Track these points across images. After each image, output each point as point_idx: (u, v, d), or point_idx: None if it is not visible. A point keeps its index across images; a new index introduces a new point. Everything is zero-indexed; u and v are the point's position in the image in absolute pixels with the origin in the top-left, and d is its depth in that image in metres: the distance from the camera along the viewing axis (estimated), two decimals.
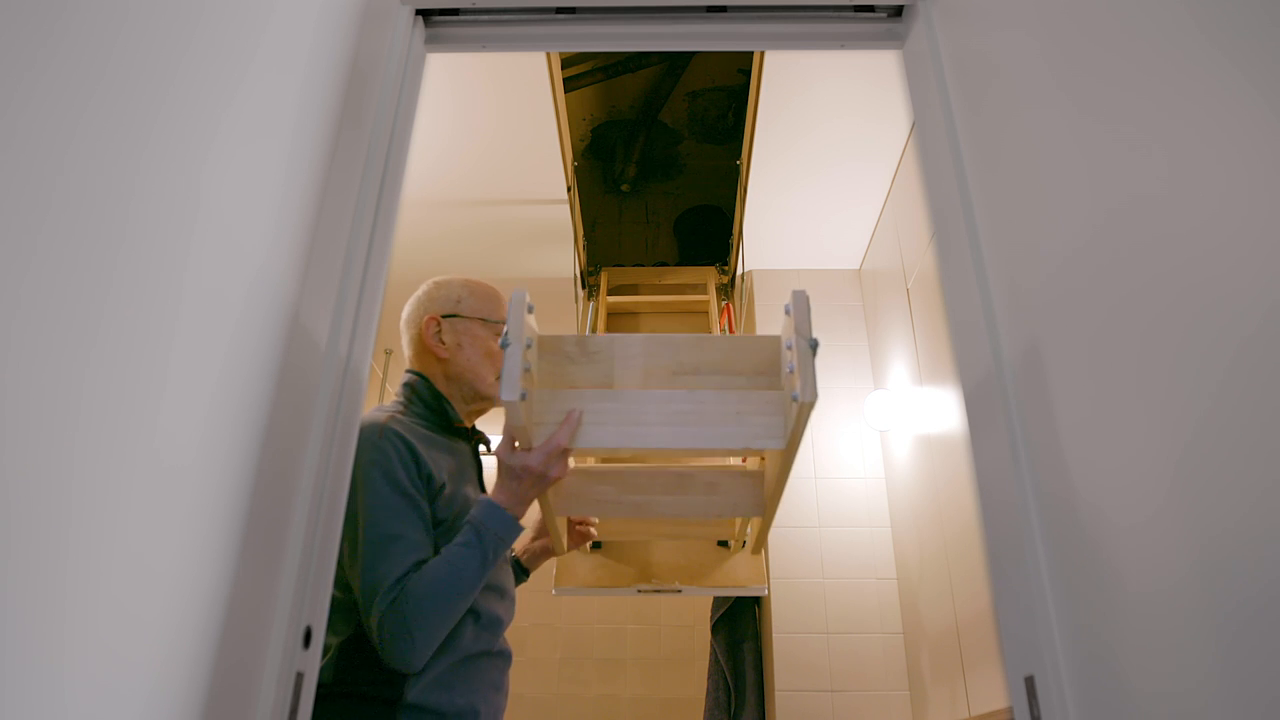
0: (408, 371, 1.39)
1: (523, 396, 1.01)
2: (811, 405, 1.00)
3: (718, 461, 2.02)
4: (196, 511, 0.70)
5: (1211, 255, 0.61)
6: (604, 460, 1.41)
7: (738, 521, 2.08)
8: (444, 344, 1.37)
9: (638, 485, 1.36)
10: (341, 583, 1.17)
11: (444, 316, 1.38)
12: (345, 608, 1.16)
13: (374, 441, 1.21)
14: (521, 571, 1.55)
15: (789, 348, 1.07)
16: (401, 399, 1.35)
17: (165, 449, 0.65)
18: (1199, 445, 0.62)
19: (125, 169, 0.61)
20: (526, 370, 1.03)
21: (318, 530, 0.90)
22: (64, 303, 0.54)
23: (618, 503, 1.36)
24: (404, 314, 1.42)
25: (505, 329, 1.03)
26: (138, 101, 0.63)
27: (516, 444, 1.14)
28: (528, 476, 1.14)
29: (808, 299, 1.06)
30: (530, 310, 1.06)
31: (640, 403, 1.12)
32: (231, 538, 0.75)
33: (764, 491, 1.34)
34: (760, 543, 1.57)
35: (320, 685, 1.11)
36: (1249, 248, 0.57)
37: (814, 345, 1.02)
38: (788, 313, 1.07)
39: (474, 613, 1.22)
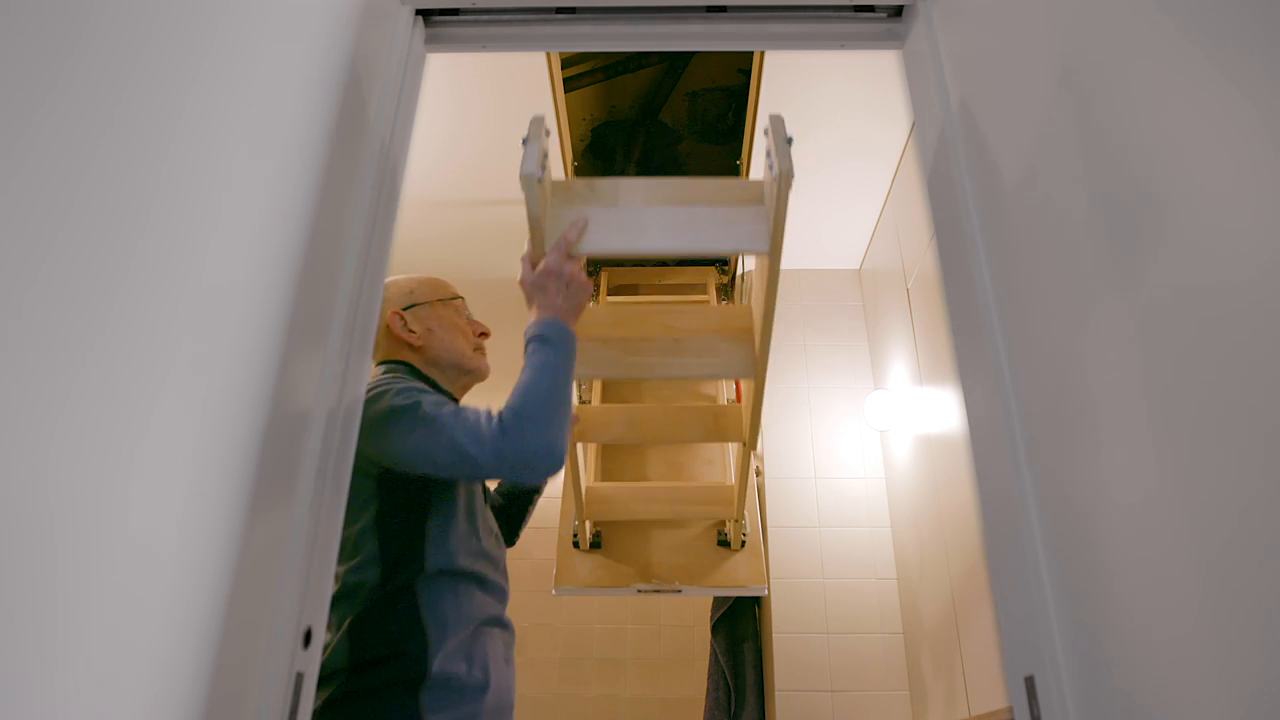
0: (385, 362, 1.38)
1: (540, 178, 1.16)
2: (789, 177, 1.16)
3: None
4: (199, 511, 0.70)
5: (1215, 246, 0.61)
6: (612, 330, 1.62)
7: (735, 506, 2.08)
8: (414, 333, 1.38)
9: (639, 349, 1.54)
10: (351, 555, 1.16)
11: (404, 310, 1.40)
12: (350, 589, 1.14)
13: (390, 381, 1.23)
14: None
15: (768, 153, 1.23)
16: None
17: (163, 463, 0.65)
18: (1199, 431, 0.62)
19: (131, 177, 0.61)
20: (544, 155, 1.19)
21: (319, 529, 0.90)
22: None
23: (622, 363, 1.52)
24: None
25: (524, 142, 1.17)
26: (141, 99, 0.63)
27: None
28: (550, 279, 1.22)
29: (782, 118, 1.27)
30: (548, 134, 1.23)
31: (641, 215, 1.29)
32: (232, 538, 0.75)
33: (753, 352, 1.50)
34: (754, 424, 1.69)
35: (336, 671, 1.09)
36: (1257, 247, 0.57)
37: (790, 140, 1.19)
38: (766, 133, 1.26)
39: (478, 579, 1.22)
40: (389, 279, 1.44)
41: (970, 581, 2.03)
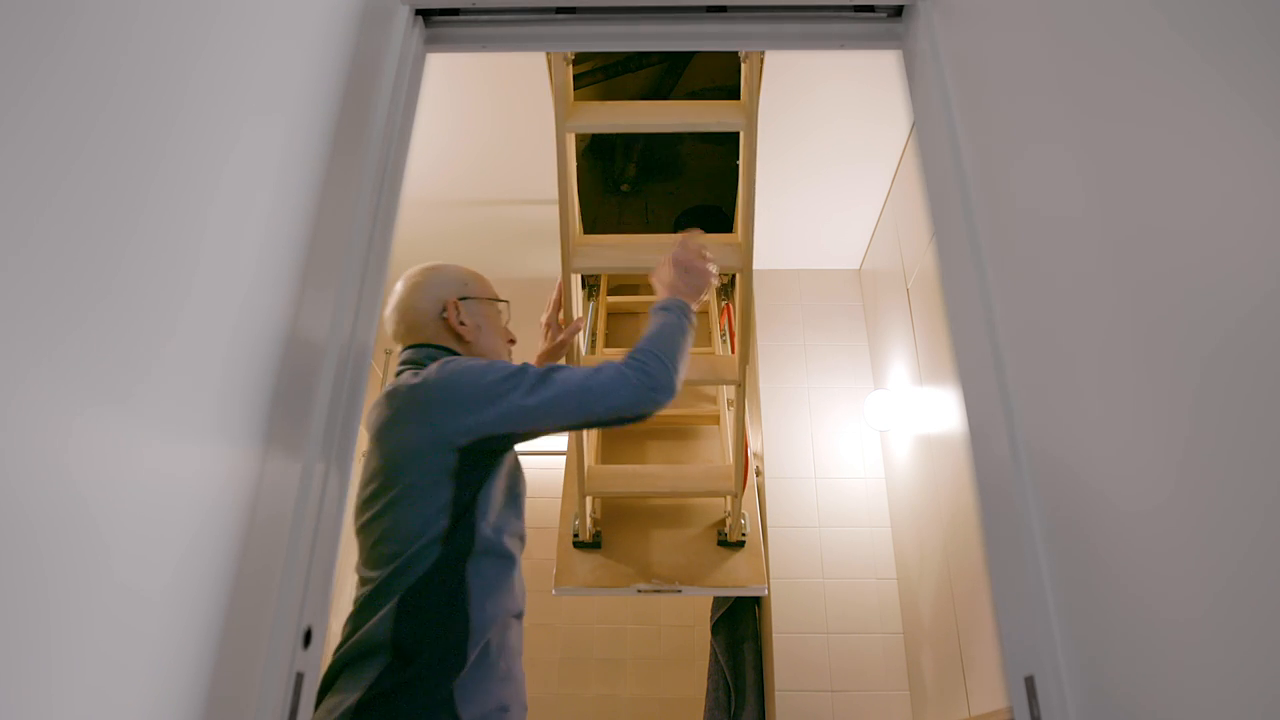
0: (426, 346, 1.37)
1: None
2: (761, 58, 1.54)
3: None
4: (198, 518, 0.70)
5: (1213, 253, 0.61)
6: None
7: (734, 480, 2.10)
8: (465, 325, 1.39)
9: (645, 247, 1.80)
10: (399, 536, 1.15)
11: (460, 299, 1.40)
12: (407, 566, 1.14)
13: (461, 359, 1.27)
14: None
15: (745, 56, 1.54)
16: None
17: (164, 472, 0.65)
18: (1200, 431, 0.62)
19: (125, 180, 0.61)
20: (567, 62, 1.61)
21: (319, 530, 0.90)
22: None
23: (629, 261, 1.79)
24: (406, 299, 1.41)
25: None
26: (144, 99, 0.63)
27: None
28: (672, 268, 1.43)
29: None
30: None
31: (642, 108, 1.76)
32: (233, 539, 0.75)
33: (740, 254, 1.81)
34: (744, 353, 1.90)
35: (377, 647, 1.09)
36: (1251, 248, 0.57)
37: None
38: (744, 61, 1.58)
39: (515, 564, 1.23)
40: (438, 264, 1.46)
41: (970, 581, 2.03)
